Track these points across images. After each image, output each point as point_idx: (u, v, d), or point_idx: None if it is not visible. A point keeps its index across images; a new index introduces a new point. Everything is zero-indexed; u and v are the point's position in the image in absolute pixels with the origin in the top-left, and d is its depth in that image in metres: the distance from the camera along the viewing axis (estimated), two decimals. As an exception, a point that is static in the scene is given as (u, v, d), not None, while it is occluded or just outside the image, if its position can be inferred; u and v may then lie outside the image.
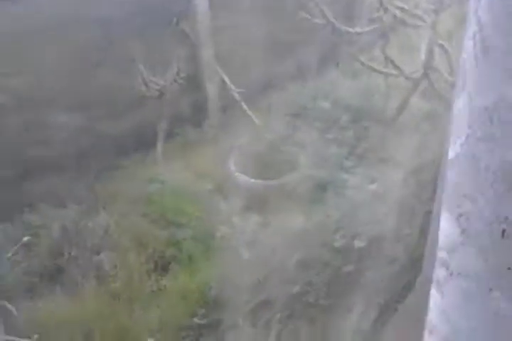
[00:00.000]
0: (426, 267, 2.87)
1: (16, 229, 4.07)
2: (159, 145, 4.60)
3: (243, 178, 4.06)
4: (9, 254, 3.50)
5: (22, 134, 4.78)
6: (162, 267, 3.71)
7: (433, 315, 0.90)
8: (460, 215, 0.79)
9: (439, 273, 0.85)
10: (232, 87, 4.89)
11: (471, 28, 0.74)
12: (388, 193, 3.54)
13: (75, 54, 5.30)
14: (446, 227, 0.83)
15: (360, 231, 3.49)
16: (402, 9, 4.19)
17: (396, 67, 4.11)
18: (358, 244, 3.44)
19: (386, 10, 3.92)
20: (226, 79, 4.94)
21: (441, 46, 4.02)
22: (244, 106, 4.86)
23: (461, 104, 0.77)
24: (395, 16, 3.96)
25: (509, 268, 0.75)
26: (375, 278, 3.23)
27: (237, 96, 4.88)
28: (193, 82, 4.91)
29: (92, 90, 5.30)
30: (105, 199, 4.26)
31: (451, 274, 0.83)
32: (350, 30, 4.49)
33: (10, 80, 4.83)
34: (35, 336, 2.72)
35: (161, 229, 3.75)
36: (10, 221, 4.14)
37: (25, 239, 3.87)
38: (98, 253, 3.81)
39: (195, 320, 3.35)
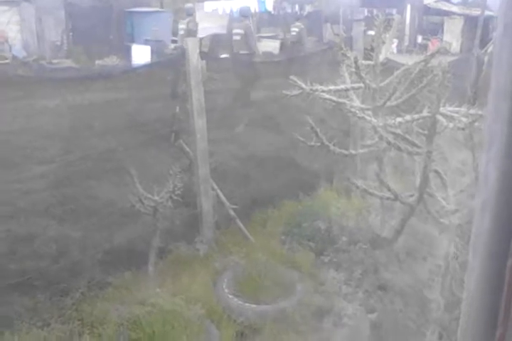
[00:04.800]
0: None
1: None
2: (151, 264, 4.49)
3: (236, 302, 3.92)
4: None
5: (6, 245, 4.68)
6: None
7: None
8: None
9: None
10: (227, 203, 4.90)
11: None
12: (388, 323, 3.41)
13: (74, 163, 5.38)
14: None
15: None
16: (395, 134, 4.31)
17: (391, 191, 4.14)
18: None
19: (381, 137, 4.02)
20: (221, 195, 4.96)
21: (436, 172, 4.09)
22: (239, 223, 4.83)
23: None
24: (389, 142, 4.06)
25: None
26: None
27: (232, 212, 4.87)
28: (188, 198, 4.91)
29: (86, 201, 5.30)
30: (92, 319, 4.06)
31: None
32: (345, 152, 4.58)
33: None
34: None
35: (149, 358, 3.54)
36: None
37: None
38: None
39: None
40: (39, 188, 5.37)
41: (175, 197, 4.56)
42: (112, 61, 14.43)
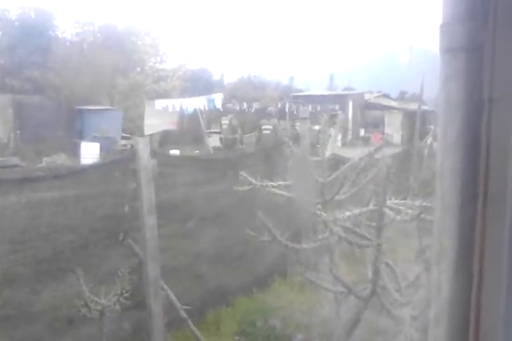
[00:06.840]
0: None
1: None
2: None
3: None
4: None
5: None
6: None
7: None
8: None
9: None
10: (179, 304, 4.71)
11: None
12: None
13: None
14: None
15: None
16: (344, 228, 4.35)
17: (345, 285, 4.11)
18: None
19: (332, 231, 4.05)
20: (172, 295, 4.78)
21: (387, 264, 4.10)
22: (191, 325, 4.62)
23: None
24: (339, 236, 4.09)
25: None
26: None
27: (183, 313, 4.67)
28: (137, 299, 4.71)
29: (29, 306, 4.98)
30: None
31: None
32: (297, 246, 4.57)
33: None
34: None
35: None
36: None
37: None
38: None
39: None
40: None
41: (123, 300, 4.37)
42: (60, 158, 14.37)
